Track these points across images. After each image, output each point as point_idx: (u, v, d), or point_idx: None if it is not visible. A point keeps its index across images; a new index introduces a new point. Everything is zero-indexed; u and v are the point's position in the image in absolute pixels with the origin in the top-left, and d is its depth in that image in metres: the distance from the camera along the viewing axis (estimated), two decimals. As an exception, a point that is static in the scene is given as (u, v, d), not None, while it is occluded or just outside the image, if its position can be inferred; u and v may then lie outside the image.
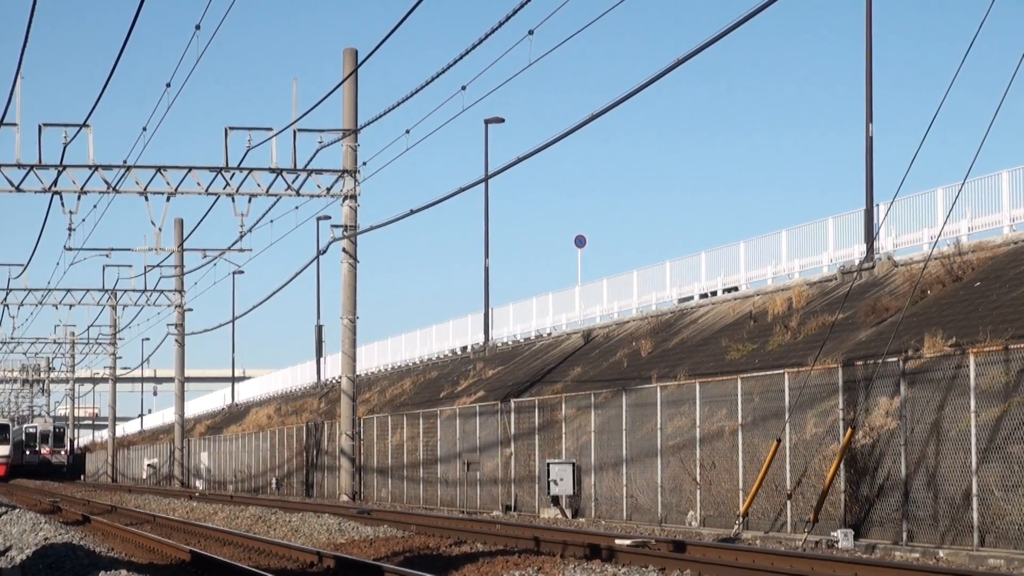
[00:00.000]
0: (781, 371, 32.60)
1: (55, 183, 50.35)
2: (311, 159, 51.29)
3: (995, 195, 40.22)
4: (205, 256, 69.15)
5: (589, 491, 40.37)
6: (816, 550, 26.94)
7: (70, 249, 55.27)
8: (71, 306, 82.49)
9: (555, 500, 41.08)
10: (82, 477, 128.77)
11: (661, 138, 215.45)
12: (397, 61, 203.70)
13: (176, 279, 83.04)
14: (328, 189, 52.88)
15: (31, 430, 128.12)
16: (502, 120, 68.95)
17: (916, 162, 32.64)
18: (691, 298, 55.02)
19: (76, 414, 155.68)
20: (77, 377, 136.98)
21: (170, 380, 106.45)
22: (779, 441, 30.73)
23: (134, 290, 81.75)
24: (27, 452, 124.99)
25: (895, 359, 28.81)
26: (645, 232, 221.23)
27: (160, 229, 52.63)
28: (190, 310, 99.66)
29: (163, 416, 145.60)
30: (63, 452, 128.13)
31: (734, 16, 26.26)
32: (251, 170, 51.13)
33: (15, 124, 48.11)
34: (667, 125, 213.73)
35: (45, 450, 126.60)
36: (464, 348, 75.49)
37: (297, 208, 66.23)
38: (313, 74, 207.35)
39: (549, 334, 66.01)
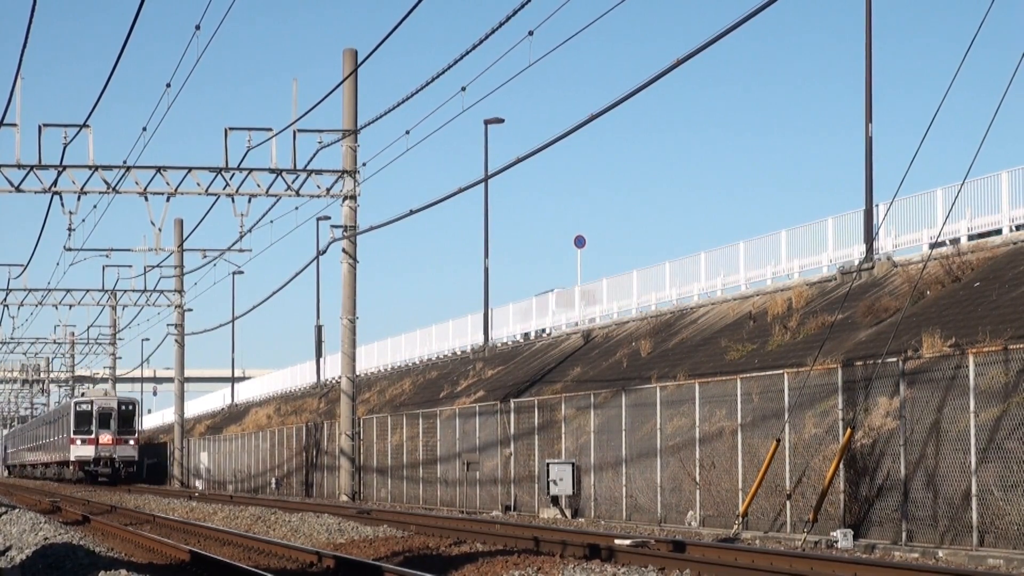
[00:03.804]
0: (781, 371, 32.61)
1: (55, 183, 50.40)
2: (311, 159, 51.38)
3: (994, 195, 40.25)
4: (205, 256, 69.28)
5: (589, 491, 40.39)
6: (816, 550, 26.95)
7: (70, 249, 55.36)
8: (71, 306, 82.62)
9: (555, 500, 41.10)
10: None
11: (661, 138, 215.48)
12: (397, 61, 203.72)
13: (176, 279, 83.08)
14: (328, 189, 52.92)
15: (83, 407, 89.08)
16: (502, 120, 69.01)
17: (916, 162, 32.69)
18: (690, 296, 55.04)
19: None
20: (77, 377, 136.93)
21: (170, 380, 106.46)
22: (779, 441, 30.75)
23: (134, 290, 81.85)
24: (79, 442, 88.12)
25: (895, 359, 28.83)
26: (645, 232, 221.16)
27: (160, 229, 52.71)
28: (190, 310, 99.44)
29: (163, 416, 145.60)
30: (132, 442, 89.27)
31: (734, 16, 26.29)
32: (251, 170, 51.18)
33: (15, 124, 48.17)
34: (667, 125, 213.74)
35: (106, 438, 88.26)
36: (464, 348, 75.52)
37: (297, 208, 66.30)
38: (313, 74, 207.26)
39: (549, 334, 66.03)
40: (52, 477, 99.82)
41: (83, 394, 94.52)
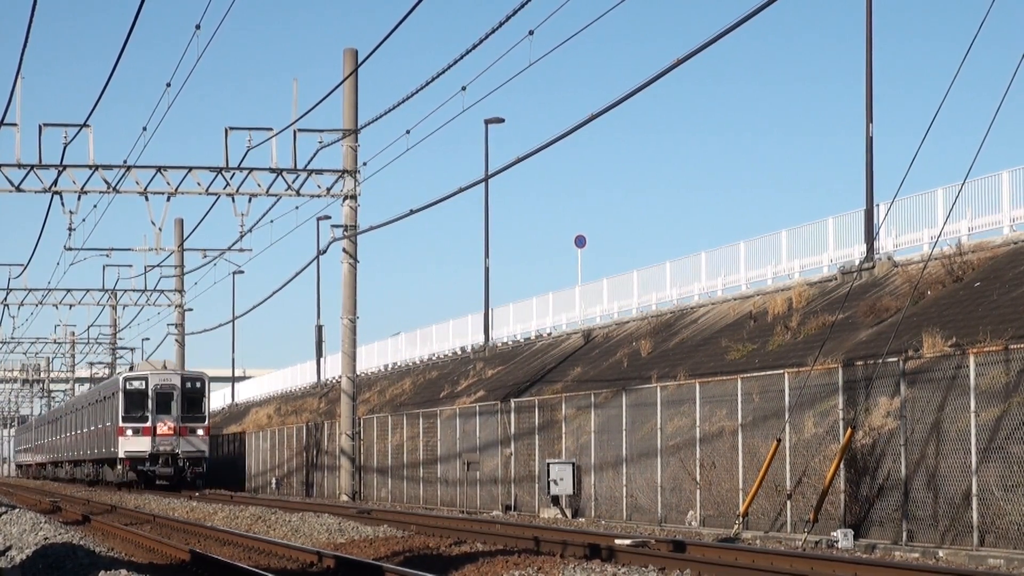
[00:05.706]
0: (781, 371, 32.61)
1: (55, 183, 50.41)
2: (311, 159, 51.40)
3: (995, 195, 40.23)
4: (205, 256, 69.24)
5: (589, 491, 40.38)
6: (816, 550, 26.95)
7: (70, 249, 55.37)
8: (71, 306, 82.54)
9: (555, 500, 41.09)
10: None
11: (661, 138, 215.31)
12: (397, 61, 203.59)
13: (176, 279, 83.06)
14: (328, 189, 52.93)
15: (135, 386, 67.10)
16: (502, 120, 68.96)
17: (916, 162, 32.65)
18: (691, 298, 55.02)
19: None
20: (77, 377, 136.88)
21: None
22: (779, 441, 30.74)
23: (134, 290, 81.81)
24: (129, 432, 66.51)
25: (895, 359, 28.82)
26: (645, 232, 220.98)
27: (160, 229, 52.71)
28: (190, 310, 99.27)
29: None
30: (201, 432, 67.38)
31: (734, 16, 26.27)
32: (251, 170, 51.20)
33: (15, 124, 48.19)
34: (667, 125, 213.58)
35: (166, 427, 66.72)
36: (464, 348, 75.51)
37: (297, 208, 66.36)
38: (313, 74, 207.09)
39: (549, 334, 66.01)
40: (84, 479, 79.48)
41: (132, 368, 73.41)
